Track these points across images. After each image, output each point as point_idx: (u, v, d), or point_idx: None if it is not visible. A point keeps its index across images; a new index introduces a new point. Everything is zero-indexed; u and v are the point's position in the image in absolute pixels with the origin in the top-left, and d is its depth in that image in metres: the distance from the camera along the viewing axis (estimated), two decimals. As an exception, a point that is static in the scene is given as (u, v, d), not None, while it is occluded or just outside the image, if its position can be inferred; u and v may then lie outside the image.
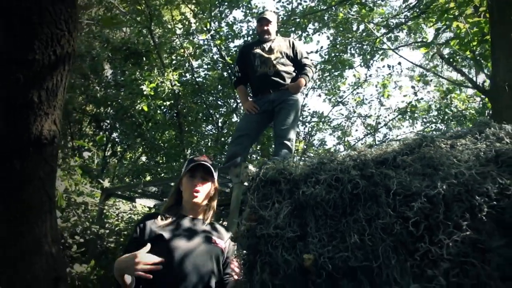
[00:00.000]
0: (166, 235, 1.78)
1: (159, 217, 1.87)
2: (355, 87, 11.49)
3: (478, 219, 1.23)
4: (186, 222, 1.89)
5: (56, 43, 1.41)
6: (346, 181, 1.48)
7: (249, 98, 4.32)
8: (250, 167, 3.74)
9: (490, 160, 1.47)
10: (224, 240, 1.89)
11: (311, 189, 1.50)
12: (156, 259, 1.67)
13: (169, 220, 1.86)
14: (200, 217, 1.96)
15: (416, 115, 10.03)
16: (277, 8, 9.83)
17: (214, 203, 2.01)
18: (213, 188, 2.00)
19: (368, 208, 1.40)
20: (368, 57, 10.25)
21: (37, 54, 1.39)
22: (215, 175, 2.00)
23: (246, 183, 3.87)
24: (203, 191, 1.93)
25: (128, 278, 1.65)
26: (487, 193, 1.28)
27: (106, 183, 5.32)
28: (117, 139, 10.36)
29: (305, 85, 4.25)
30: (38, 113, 1.46)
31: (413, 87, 9.61)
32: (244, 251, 1.50)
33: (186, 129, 9.65)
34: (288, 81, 4.03)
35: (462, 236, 1.20)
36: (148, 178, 9.25)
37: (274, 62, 4.03)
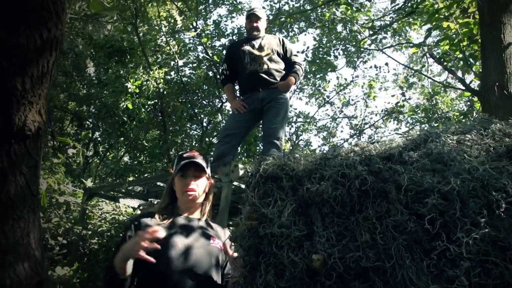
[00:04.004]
0: (162, 233, 1.69)
1: (156, 216, 1.80)
2: (341, 88, 11.51)
3: (496, 216, 1.17)
4: (181, 221, 1.82)
5: (42, 26, 1.30)
6: (353, 177, 1.40)
7: (236, 97, 4.23)
8: (241, 166, 3.65)
9: (501, 155, 1.42)
10: (222, 239, 1.83)
11: (316, 185, 1.42)
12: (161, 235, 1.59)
13: (166, 219, 1.79)
14: (196, 215, 1.89)
15: (401, 116, 10.12)
16: (263, 7, 9.78)
17: (210, 198, 1.94)
18: (208, 183, 1.93)
19: (377, 205, 1.32)
20: (355, 58, 10.27)
21: (21, 38, 1.28)
22: (208, 170, 1.93)
23: (235, 183, 3.78)
24: (197, 189, 1.85)
25: (129, 267, 1.59)
26: (505, 189, 1.21)
27: (88, 183, 5.15)
28: (99, 138, 10.12)
29: (295, 83, 4.18)
30: (22, 102, 1.35)
31: (401, 87, 9.68)
32: (245, 252, 1.41)
33: (171, 128, 9.49)
34: (278, 79, 3.95)
35: (481, 233, 1.13)
36: (131, 178, 9.05)
37: (265, 59, 3.95)
